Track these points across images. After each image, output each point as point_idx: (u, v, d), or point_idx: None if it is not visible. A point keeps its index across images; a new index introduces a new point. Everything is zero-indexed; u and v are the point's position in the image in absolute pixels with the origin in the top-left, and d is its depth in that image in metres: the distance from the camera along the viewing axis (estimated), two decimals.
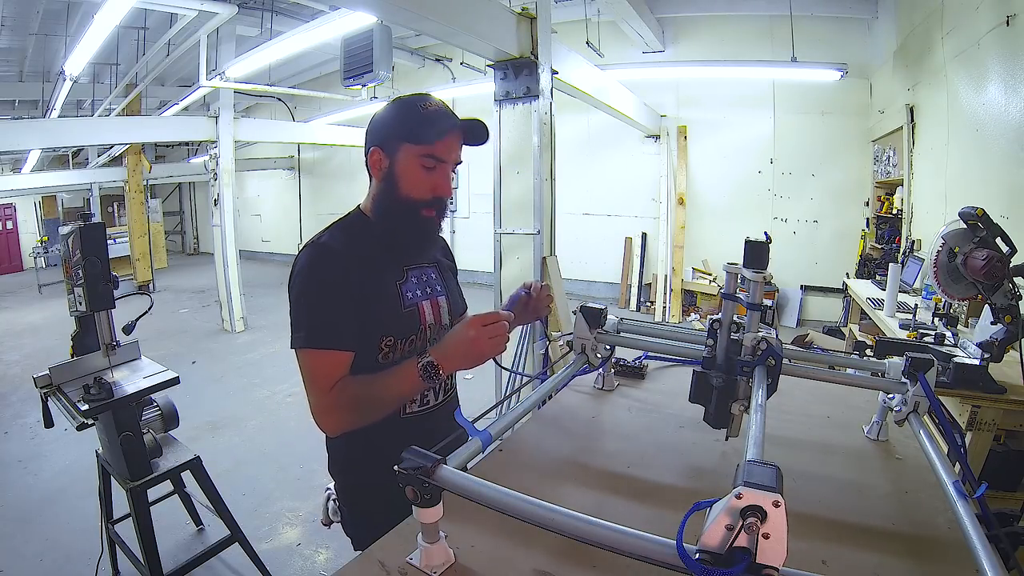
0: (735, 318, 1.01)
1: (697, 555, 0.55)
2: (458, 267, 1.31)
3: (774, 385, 0.93)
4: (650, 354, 1.46)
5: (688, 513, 0.57)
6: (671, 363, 1.53)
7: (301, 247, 1.02)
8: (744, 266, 0.96)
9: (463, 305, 1.27)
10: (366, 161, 1.06)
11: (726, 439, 1.00)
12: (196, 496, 2.32)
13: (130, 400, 1.80)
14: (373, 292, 1.01)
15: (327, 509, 1.15)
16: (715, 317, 1.02)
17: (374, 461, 0.87)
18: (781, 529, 0.52)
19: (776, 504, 0.52)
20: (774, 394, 0.93)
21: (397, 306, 1.04)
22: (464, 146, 1.06)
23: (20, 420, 3.86)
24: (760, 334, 0.95)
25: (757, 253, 0.95)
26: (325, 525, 1.17)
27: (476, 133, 1.06)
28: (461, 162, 1.06)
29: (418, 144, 1.00)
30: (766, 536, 0.53)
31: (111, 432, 1.83)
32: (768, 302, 0.98)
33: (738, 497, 0.53)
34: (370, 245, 1.04)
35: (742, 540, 0.53)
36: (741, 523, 0.53)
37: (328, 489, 1.17)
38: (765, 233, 1.02)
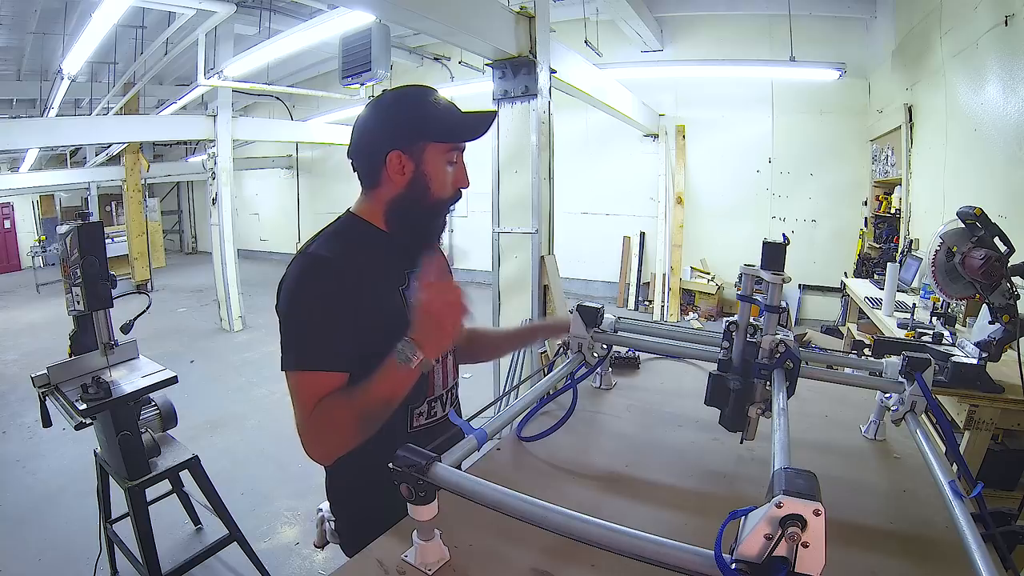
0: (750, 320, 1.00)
1: (734, 565, 0.53)
2: (456, 266, 1.24)
3: (792, 388, 0.92)
4: None
5: (725, 522, 0.55)
6: (663, 355, 1.54)
7: (292, 259, 0.94)
8: (762, 267, 0.95)
9: None
10: (366, 166, 0.98)
11: (741, 442, 0.99)
12: (194, 495, 2.32)
13: (128, 399, 1.80)
14: (375, 304, 0.93)
15: (323, 532, 1.09)
16: (731, 319, 1.01)
17: (380, 486, 0.75)
18: (820, 538, 0.52)
19: (816, 513, 0.51)
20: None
21: (404, 314, 0.92)
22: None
23: (18, 420, 3.85)
24: (778, 336, 0.94)
25: (775, 254, 0.94)
26: (318, 547, 1.12)
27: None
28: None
29: (449, 142, 0.95)
30: (805, 545, 0.52)
31: (109, 431, 1.83)
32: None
33: (778, 506, 0.52)
34: (372, 253, 0.96)
35: (781, 549, 0.52)
36: (781, 532, 0.52)
37: (321, 510, 1.10)
38: (783, 234, 1.02)
